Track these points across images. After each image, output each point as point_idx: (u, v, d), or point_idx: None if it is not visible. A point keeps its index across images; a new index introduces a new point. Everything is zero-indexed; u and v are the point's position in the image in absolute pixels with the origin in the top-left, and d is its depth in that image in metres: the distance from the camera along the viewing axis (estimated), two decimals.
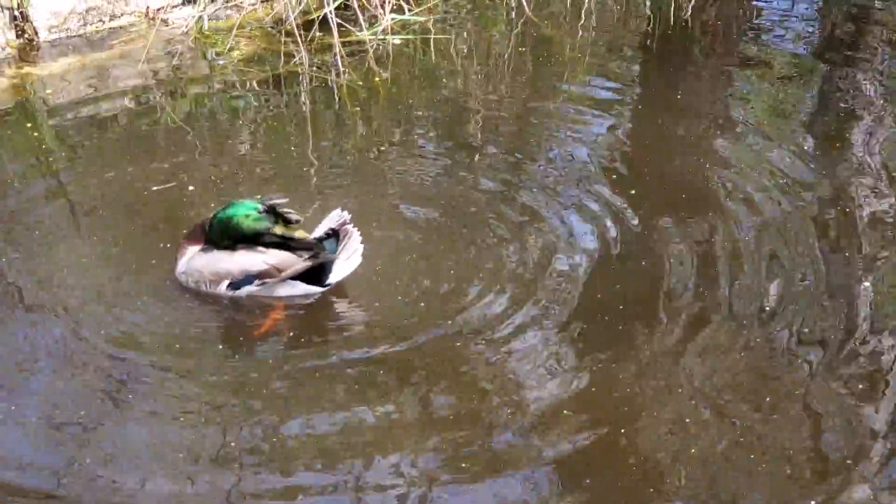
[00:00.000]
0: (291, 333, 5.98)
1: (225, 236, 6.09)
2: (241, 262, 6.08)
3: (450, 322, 6.00)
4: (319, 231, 6.22)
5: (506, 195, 7.24)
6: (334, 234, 6.14)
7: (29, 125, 8.35)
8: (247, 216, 6.01)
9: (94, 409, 5.41)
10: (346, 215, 6.21)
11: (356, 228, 6.15)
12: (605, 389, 5.55)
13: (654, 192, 7.26)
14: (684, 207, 7.07)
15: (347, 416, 5.39)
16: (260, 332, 5.99)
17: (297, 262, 6.06)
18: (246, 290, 6.12)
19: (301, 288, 6.14)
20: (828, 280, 6.35)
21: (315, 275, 6.11)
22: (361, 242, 6.15)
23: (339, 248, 6.10)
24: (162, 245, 6.56)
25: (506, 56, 9.70)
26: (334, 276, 6.13)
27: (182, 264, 6.18)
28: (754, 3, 10.84)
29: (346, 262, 6.12)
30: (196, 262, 6.13)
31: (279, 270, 6.06)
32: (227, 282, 6.10)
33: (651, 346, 5.85)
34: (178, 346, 5.83)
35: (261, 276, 6.07)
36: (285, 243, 6.07)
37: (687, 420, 5.36)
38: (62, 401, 5.47)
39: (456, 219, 6.95)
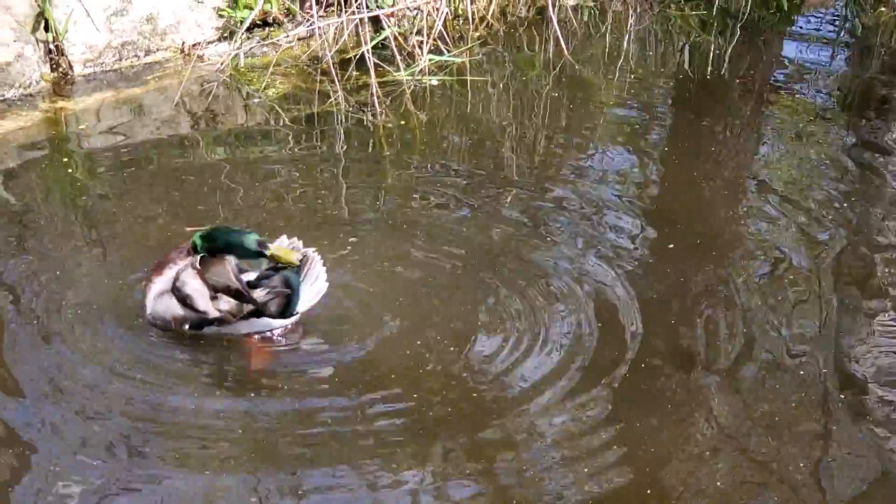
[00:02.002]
0: (306, 377, 5.88)
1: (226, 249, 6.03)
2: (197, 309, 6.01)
3: (472, 372, 5.89)
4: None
5: (536, 242, 7.12)
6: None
7: (65, 160, 8.31)
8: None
9: (113, 453, 5.33)
10: (299, 243, 6.06)
11: (318, 254, 6.01)
12: (632, 446, 5.42)
13: (687, 245, 7.13)
14: (716, 260, 6.95)
15: (366, 472, 5.27)
16: (255, 367, 5.96)
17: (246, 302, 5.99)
18: (207, 330, 6.03)
19: (262, 322, 6.02)
20: (861, 330, 6.25)
21: (280, 308, 5.98)
22: (324, 265, 6.03)
23: (302, 276, 5.97)
24: None
25: (542, 99, 9.60)
26: (301, 306, 6.00)
27: (148, 306, 6.10)
28: (790, 56, 10.70)
29: (311, 287, 5.98)
30: (158, 306, 6.05)
31: (234, 316, 5.97)
32: (187, 325, 6.02)
33: (679, 401, 5.72)
34: (197, 389, 5.77)
35: (218, 322, 5.99)
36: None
37: (719, 483, 5.22)
38: (86, 443, 5.39)
39: (483, 264, 6.83)
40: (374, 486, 5.18)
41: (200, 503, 5.08)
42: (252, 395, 5.73)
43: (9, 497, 5.08)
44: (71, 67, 9.44)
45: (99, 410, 5.57)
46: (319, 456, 5.35)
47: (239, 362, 5.99)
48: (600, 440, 5.44)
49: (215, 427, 5.50)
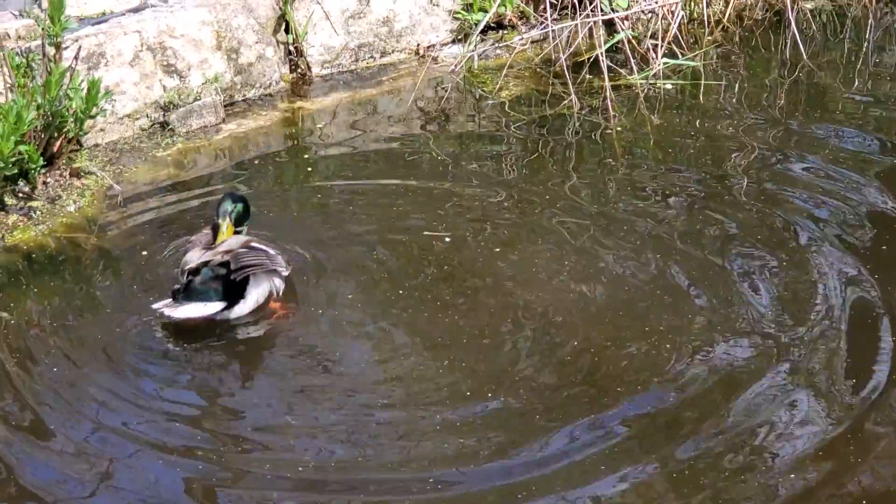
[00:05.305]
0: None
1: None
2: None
3: (705, 378, 5.78)
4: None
5: (768, 256, 6.88)
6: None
7: (304, 156, 8.54)
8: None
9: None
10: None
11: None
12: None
13: None
14: None
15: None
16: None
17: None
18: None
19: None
20: None
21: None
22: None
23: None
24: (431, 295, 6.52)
25: (777, 104, 9.34)
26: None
27: None
28: None
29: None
30: None
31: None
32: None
33: None
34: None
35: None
36: None
37: None
38: None
39: (695, 273, 6.69)
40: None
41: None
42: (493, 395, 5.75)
43: None
44: (309, 68, 9.67)
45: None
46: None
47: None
48: (843, 461, 5.23)
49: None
